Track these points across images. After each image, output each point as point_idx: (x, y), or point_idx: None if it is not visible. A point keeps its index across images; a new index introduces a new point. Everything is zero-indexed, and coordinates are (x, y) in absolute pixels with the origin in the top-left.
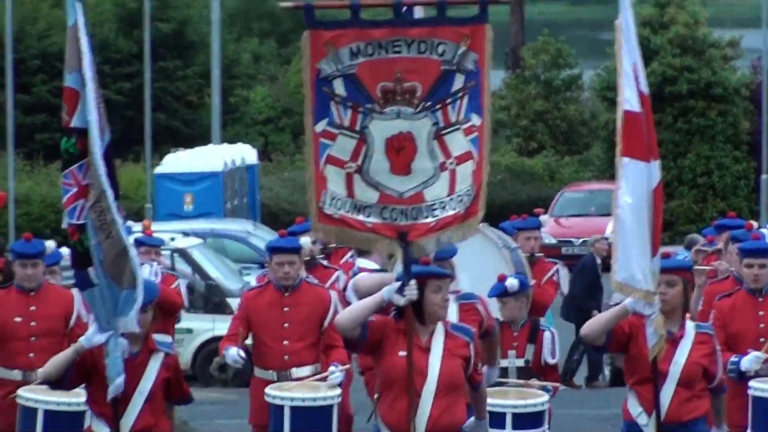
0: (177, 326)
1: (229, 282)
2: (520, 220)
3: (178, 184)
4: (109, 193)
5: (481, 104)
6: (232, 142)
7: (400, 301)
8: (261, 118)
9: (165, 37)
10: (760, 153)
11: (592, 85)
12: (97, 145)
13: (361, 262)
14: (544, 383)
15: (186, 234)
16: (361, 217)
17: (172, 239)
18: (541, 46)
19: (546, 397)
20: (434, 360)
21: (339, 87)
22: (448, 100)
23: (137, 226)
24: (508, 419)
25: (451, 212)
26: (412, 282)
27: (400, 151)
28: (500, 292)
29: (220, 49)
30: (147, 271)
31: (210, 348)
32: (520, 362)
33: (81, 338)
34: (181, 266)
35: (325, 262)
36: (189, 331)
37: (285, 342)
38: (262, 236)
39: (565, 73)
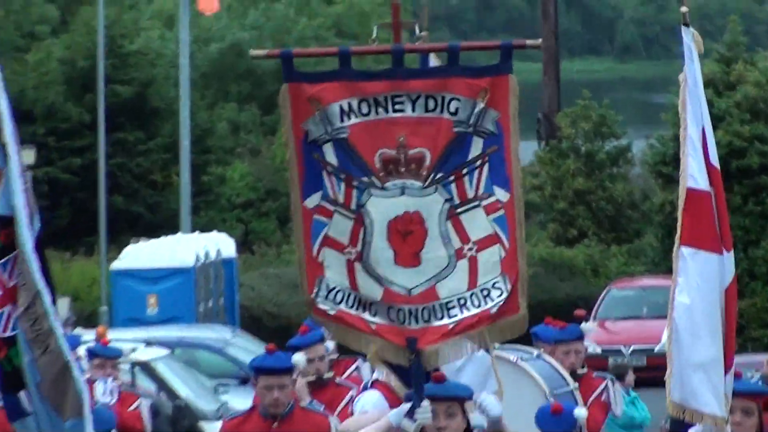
0: None
1: (203, 402)
2: (558, 330)
3: (140, 282)
4: (46, 295)
5: (507, 174)
6: (205, 230)
7: (410, 427)
8: (240, 200)
9: (123, 102)
10: None
11: (643, 159)
12: (26, 235)
13: (369, 370)
14: None
15: (149, 343)
16: (366, 315)
17: (133, 350)
18: (581, 111)
19: None
20: None
21: (329, 154)
22: (464, 171)
23: (89, 334)
24: None
25: (475, 310)
26: (426, 403)
27: (407, 236)
28: (568, 429)
29: (189, 117)
30: (100, 391)
31: None
32: None
33: None
34: (144, 383)
35: (338, 379)
36: None
37: None
38: (243, 346)
39: (611, 145)
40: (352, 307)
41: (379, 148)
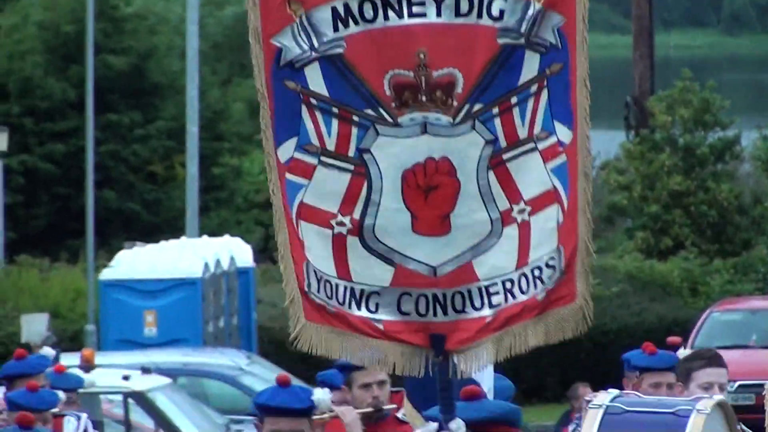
0: None
1: None
2: (647, 355)
3: (136, 296)
4: None
5: (571, 107)
6: (215, 234)
7: None
8: (259, 198)
9: (117, 76)
10: None
11: (755, 154)
12: None
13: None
14: None
15: (146, 370)
16: (365, 313)
17: (125, 378)
18: (679, 95)
19: None
20: None
21: (315, 79)
22: (514, 100)
23: (73, 358)
24: None
25: (521, 297)
26: (456, 424)
27: (430, 192)
28: None
29: (198, 96)
30: (72, 428)
31: None
32: None
33: None
34: (138, 418)
35: (400, 414)
36: None
37: None
38: (260, 374)
39: (715, 136)
40: (343, 304)
41: (390, 69)
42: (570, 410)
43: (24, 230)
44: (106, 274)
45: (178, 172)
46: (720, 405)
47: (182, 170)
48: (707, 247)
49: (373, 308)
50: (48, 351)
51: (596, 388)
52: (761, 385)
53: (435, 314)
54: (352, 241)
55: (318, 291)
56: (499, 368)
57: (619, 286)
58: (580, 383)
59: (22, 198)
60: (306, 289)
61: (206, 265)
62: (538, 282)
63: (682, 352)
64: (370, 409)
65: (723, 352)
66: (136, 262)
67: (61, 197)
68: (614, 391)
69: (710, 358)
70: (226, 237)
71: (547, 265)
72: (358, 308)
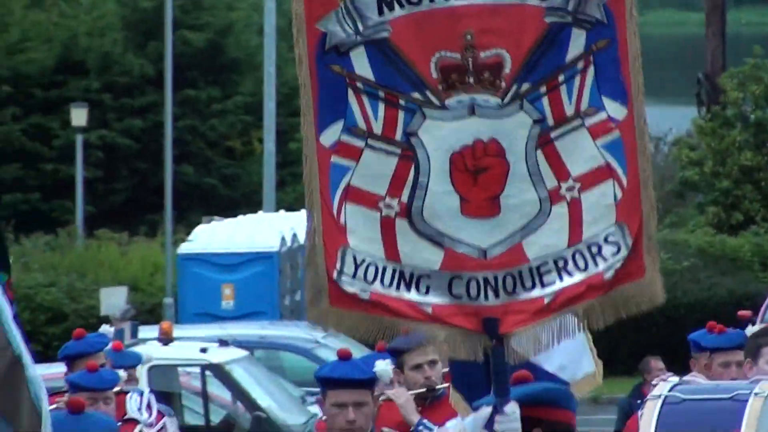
0: None
1: (287, 414)
2: (717, 336)
3: (214, 269)
4: None
5: (623, 83)
6: (292, 209)
7: None
8: None
9: (195, 52)
10: None
11: None
12: None
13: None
14: None
15: (224, 343)
16: (414, 296)
17: (203, 350)
18: (751, 71)
19: None
20: None
21: (361, 63)
22: (561, 78)
23: (152, 331)
24: None
25: (580, 276)
26: (512, 407)
27: (479, 174)
28: None
29: (276, 72)
30: (134, 406)
31: None
32: None
33: None
34: (216, 390)
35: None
36: None
37: None
38: (335, 347)
39: None
40: (390, 286)
41: (436, 51)
42: (641, 383)
43: (103, 204)
44: (184, 248)
45: (255, 147)
46: None
47: (259, 145)
48: None
49: (423, 291)
50: (107, 329)
51: (667, 362)
52: None
53: (486, 297)
54: (401, 224)
55: (353, 278)
56: None
57: (690, 260)
58: (651, 357)
59: (101, 173)
60: (335, 276)
61: (283, 239)
62: (599, 259)
63: (751, 328)
64: (423, 389)
65: None
66: (213, 236)
67: (140, 172)
68: (674, 380)
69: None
70: (303, 211)
71: (607, 241)
72: (408, 290)
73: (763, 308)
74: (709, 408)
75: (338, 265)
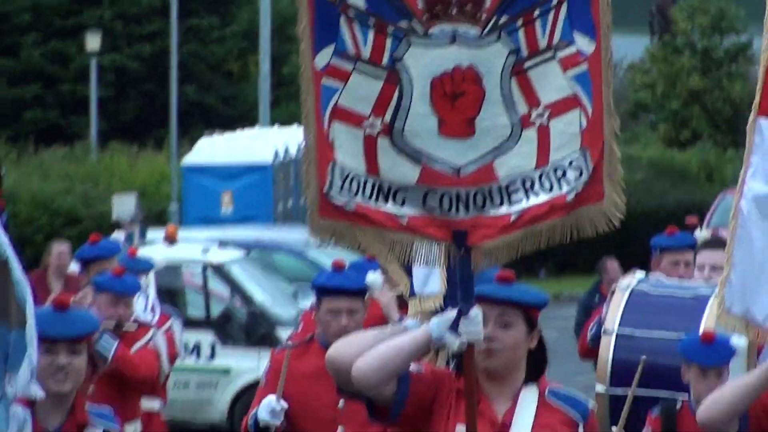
0: (210, 365)
1: (280, 307)
2: (666, 237)
3: (214, 179)
4: None
5: (593, 18)
6: (285, 124)
7: (455, 343)
8: None
9: None
10: None
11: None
12: None
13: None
14: None
15: (223, 244)
16: (390, 208)
17: (205, 251)
18: (699, 4)
19: None
20: None
21: None
22: (536, 12)
23: (158, 233)
24: None
25: (545, 196)
26: (475, 312)
27: (457, 98)
28: (722, 361)
29: (270, 3)
30: (140, 307)
31: (253, 394)
32: None
33: None
34: (216, 286)
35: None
36: (225, 371)
37: (339, 430)
38: (325, 249)
39: (730, 41)
40: (371, 198)
41: None
42: (599, 281)
43: (114, 121)
44: (188, 160)
45: (252, 70)
46: None
47: (255, 68)
48: (721, 139)
49: (399, 203)
50: (119, 236)
51: (622, 263)
52: None
53: (457, 211)
54: (382, 142)
55: (340, 190)
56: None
57: (643, 173)
58: (607, 258)
59: (113, 92)
60: (325, 190)
61: (276, 153)
62: (563, 182)
63: (700, 233)
64: (403, 291)
65: None
66: (214, 149)
67: (148, 92)
68: (640, 275)
69: (707, 242)
70: (295, 127)
71: (571, 166)
72: (385, 202)
73: (708, 216)
74: (673, 304)
75: (328, 179)
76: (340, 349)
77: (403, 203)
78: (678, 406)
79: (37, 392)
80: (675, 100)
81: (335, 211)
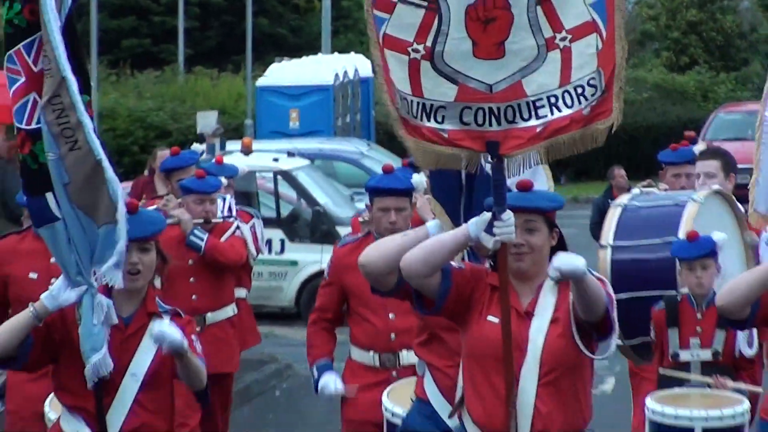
0: (280, 257)
1: (339, 208)
2: (669, 152)
3: (283, 98)
4: (72, 83)
5: None
6: (344, 51)
7: (490, 242)
8: None
9: None
10: None
11: None
12: (50, 12)
13: None
14: (739, 386)
15: (291, 154)
16: (432, 124)
17: (275, 160)
18: None
19: (746, 404)
20: (537, 329)
21: None
22: None
23: (236, 144)
24: None
25: (567, 111)
26: (508, 214)
27: (488, 23)
28: (705, 253)
29: None
30: (219, 207)
31: (316, 283)
32: (707, 354)
33: (43, 296)
34: (285, 190)
35: None
36: (293, 263)
37: (390, 315)
38: (377, 158)
39: None
40: (417, 116)
41: None
42: (610, 186)
43: (199, 48)
44: (261, 82)
45: (315, 5)
46: (717, 192)
47: (319, 3)
48: (715, 64)
49: (440, 120)
50: (197, 147)
51: (629, 170)
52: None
53: (490, 124)
54: (425, 65)
55: (401, 108)
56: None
57: (648, 93)
58: (616, 166)
59: (198, 23)
60: (397, 106)
61: (336, 75)
62: (582, 98)
63: (698, 146)
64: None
65: (726, 144)
66: (283, 72)
67: (227, 23)
68: (636, 191)
69: (701, 153)
70: (352, 54)
71: (589, 84)
72: (428, 120)
73: (703, 131)
74: (658, 213)
75: (397, 99)
76: (368, 253)
77: (443, 120)
78: (679, 298)
79: (121, 281)
80: (675, 30)
81: (411, 128)
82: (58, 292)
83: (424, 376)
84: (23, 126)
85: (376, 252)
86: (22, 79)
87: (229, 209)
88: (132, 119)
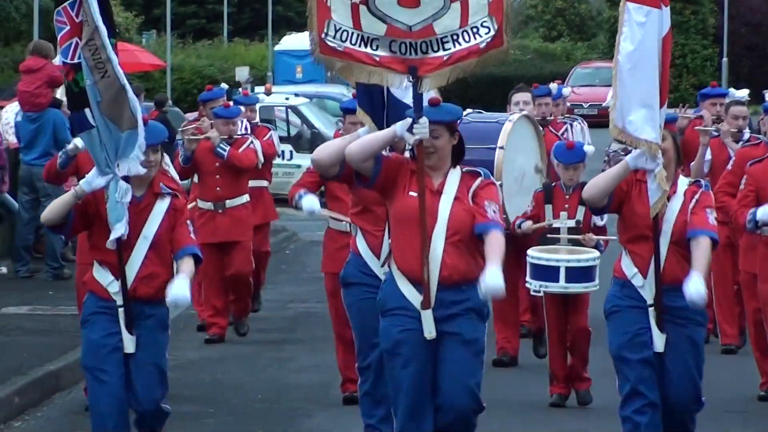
0: (288, 162)
1: (329, 130)
2: (535, 89)
3: (292, 58)
4: (102, 30)
5: None
6: None
7: (410, 139)
8: None
9: None
10: (722, 42)
11: None
12: None
13: None
14: (598, 237)
15: (297, 95)
16: (368, 50)
17: (287, 98)
18: None
19: (597, 253)
20: (445, 203)
21: None
22: None
23: (261, 89)
24: (562, 273)
25: (465, 45)
26: (423, 119)
27: None
28: (579, 159)
29: None
30: (239, 127)
31: None
32: (572, 222)
33: (81, 181)
34: (293, 118)
35: None
36: (298, 166)
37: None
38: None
39: None
40: (355, 44)
41: None
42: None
43: (237, 25)
44: (278, 47)
45: None
46: (526, 117)
47: None
48: (574, 36)
49: (375, 48)
50: (224, 86)
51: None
52: (600, 105)
53: (410, 54)
54: (363, 8)
55: (334, 37)
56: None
57: (530, 55)
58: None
59: (236, 8)
60: (323, 36)
61: None
62: (477, 35)
63: (565, 89)
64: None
65: (582, 89)
66: (293, 41)
67: (256, 9)
68: (470, 110)
69: (516, 88)
70: None
71: (482, 25)
72: (365, 47)
73: (567, 80)
74: (483, 127)
75: (324, 30)
76: (319, 151)
77: (376, 48)
78: (553, 185)
79: (140, 171)
80: (548, 14)
81: (330, 50)
82: (92, 179)
83: (356, 237)
84: (68, 60)
85: (324, 151)
86: (68, 27)
87: (246, 129)
88: (193, 72)
